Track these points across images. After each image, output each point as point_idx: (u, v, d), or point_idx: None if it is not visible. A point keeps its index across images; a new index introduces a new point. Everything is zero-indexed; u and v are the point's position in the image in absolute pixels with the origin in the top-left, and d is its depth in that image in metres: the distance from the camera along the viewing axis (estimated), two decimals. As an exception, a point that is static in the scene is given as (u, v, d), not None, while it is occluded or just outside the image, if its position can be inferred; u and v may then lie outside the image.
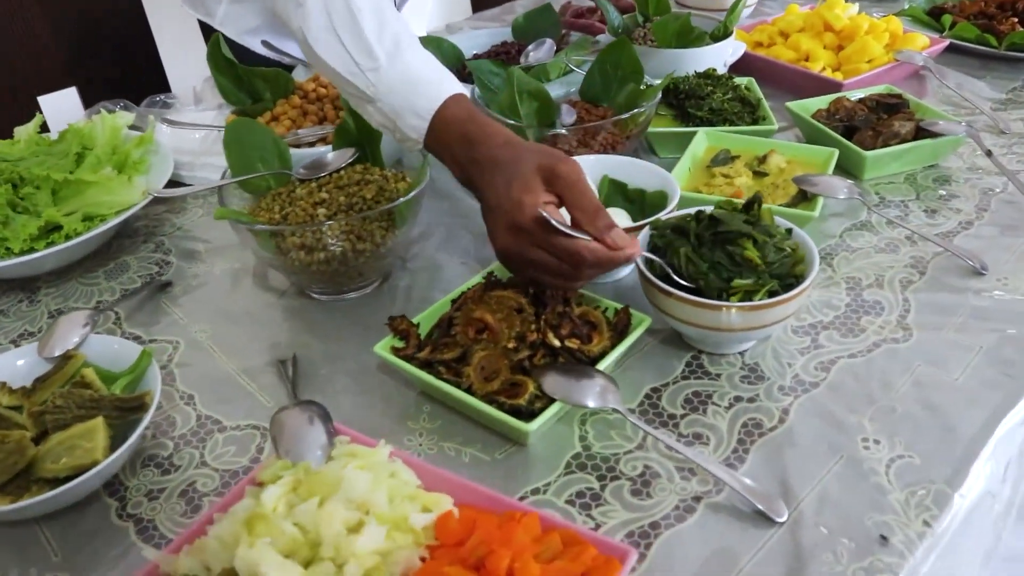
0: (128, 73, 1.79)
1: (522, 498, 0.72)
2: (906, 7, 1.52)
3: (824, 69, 1.33)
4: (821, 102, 1.20)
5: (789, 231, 0.86)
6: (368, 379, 0.86)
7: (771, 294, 0.79)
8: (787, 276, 0.81)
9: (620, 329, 0.82)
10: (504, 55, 1.36)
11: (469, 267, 1.02)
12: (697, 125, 1.17)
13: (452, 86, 0.89)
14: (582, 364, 0.77)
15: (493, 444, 0.77)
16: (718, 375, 0.83)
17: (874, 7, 1.65)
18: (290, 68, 1.38)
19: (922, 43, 1.35)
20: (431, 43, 1.33)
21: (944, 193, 1.09)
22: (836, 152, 1.08)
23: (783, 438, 0.75)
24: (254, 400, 0.84)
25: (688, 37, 1.29)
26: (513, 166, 0.80)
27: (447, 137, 0.88)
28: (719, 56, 1.31)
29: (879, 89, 1.22)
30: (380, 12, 0.91)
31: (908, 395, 0.79)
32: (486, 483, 0.71)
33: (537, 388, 0.74)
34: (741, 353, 0.85)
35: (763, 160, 1.09)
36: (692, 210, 0.86)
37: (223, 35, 1.21)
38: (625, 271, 0.96)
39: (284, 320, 0.97)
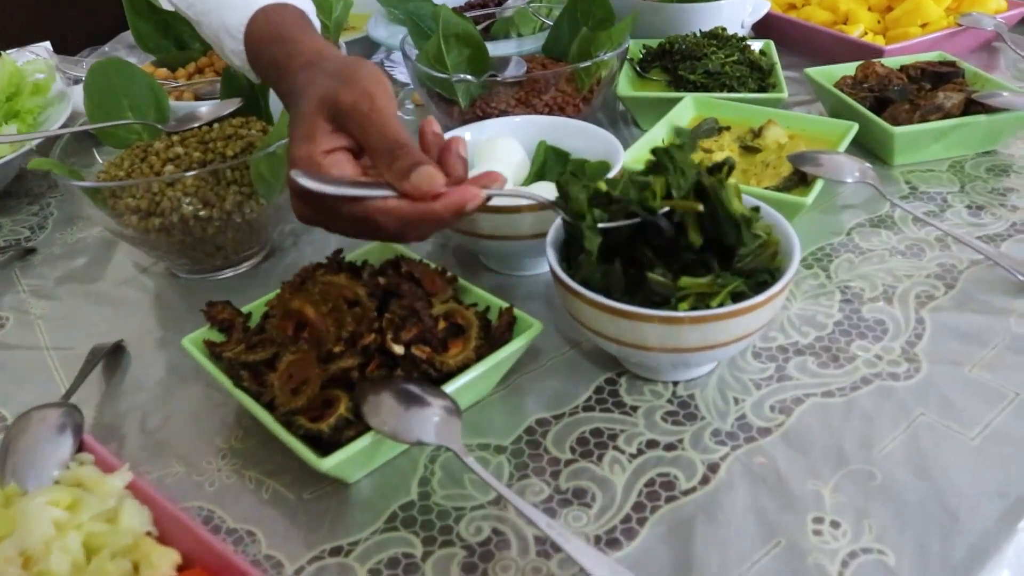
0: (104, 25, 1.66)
1: (317, 559, 0.51)
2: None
3: (866, 34, 1.07)
4: (849, 68, 0.94)
5: (756, 209, 0.62)
6: (196, 378, 0.67)
7: (736, 298, 0.56)
8: (761, 271, 0.58)
9: (498, 336, 0.60)
10: (479, 7, 1.15)
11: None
12: (691, 92, 0.94)
13: None
14: (429, 380, 0.56)
15: (306, 479, 0.57)
16: (634, 408, 0.60)
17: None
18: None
19: (996, 6, 1.08)
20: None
21: (998, 187, 0.83)
22: (854, 126, 0.83)
23: (700, 506, 0.53)
24: (56, 394, 0.66)
25: (693, -11, 1.06)
26: (299, 103, 0.58)
27: (261, 62, 0.68)
28: (733, 14, 1.07)
29: (929, 56, 0.96)
30: None
31: (897, 457, 0.55)
32: (280, 531, 0.53)
33: (350, 410, 0.53)
34: (676, 382, 0.62)
35: (758, 133, 0.85)
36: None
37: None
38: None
39: (135, 300, 0.79)
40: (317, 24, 0.74)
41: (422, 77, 0.86)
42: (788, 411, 0.59)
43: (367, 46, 1.20)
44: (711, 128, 0.86)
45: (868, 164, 0.77)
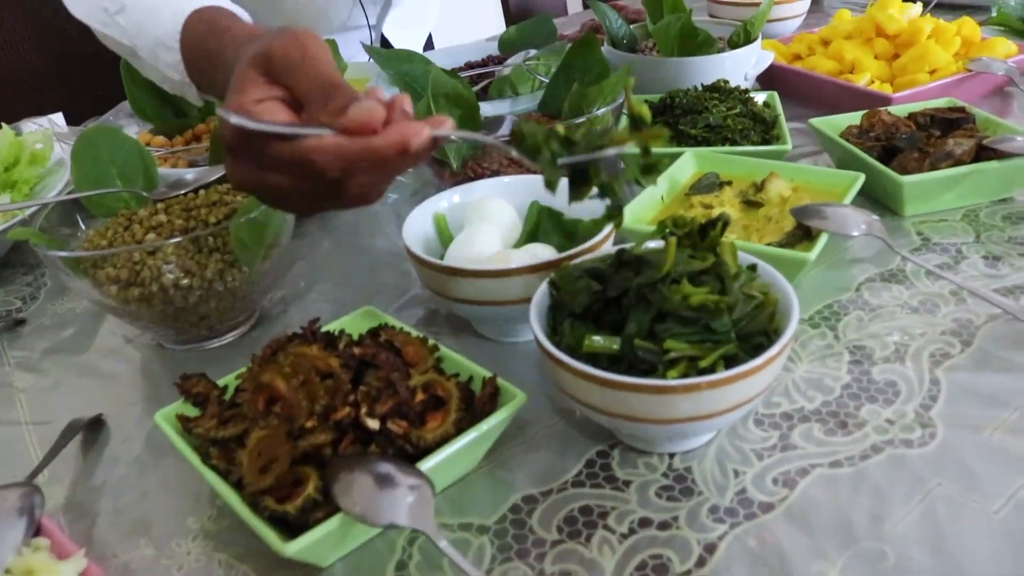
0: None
1: (279, 658, 0.48)
2: (994, 14, 1.21)
3: (872, 83, 1.04)
4: (855, 118, 0.92)
5: (753, 267, 0.59)
6: (173, 453, 0.64)
7: (729, 362, 0.52)
8: (756, 335, 0.54)
9: (480, 408, 0.57)
10: (479, 67, 1.15)
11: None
12: (692, 146, 0.92)
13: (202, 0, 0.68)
14: (405, 456, 0.53)
15: (279, 563, 0.53)
16: (627, 483, 0.56)
17: (946, 15, 1.33)
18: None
19: (1007, 51, 1.05)
20: (400, 57, 1.12)
21: (1016, 235, 0.79)
22: (860, 177, 0.80)
23: (695, 592, 0.48)
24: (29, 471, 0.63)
25: (692, 42, 1.04)
26: (235, 68, 0.56)
27: (198, 64, 0.67)
28: (736, 66, 1.05)
29: (938, 103, 0.93)
30: None
31: (911, 533, 0.50)
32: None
33: (319, 490, 0.50)
34: (672, 454, 0.58)
35: (760, 187, 0.82)
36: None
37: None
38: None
39: (120, 372, 0.77)
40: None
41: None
42: (792, 484, 0.55)
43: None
44: (711, 183, 0.83)
45: (875, 216, 0.74)
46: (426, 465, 0.52)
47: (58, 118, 1.61)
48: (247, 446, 0.53)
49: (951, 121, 0.88)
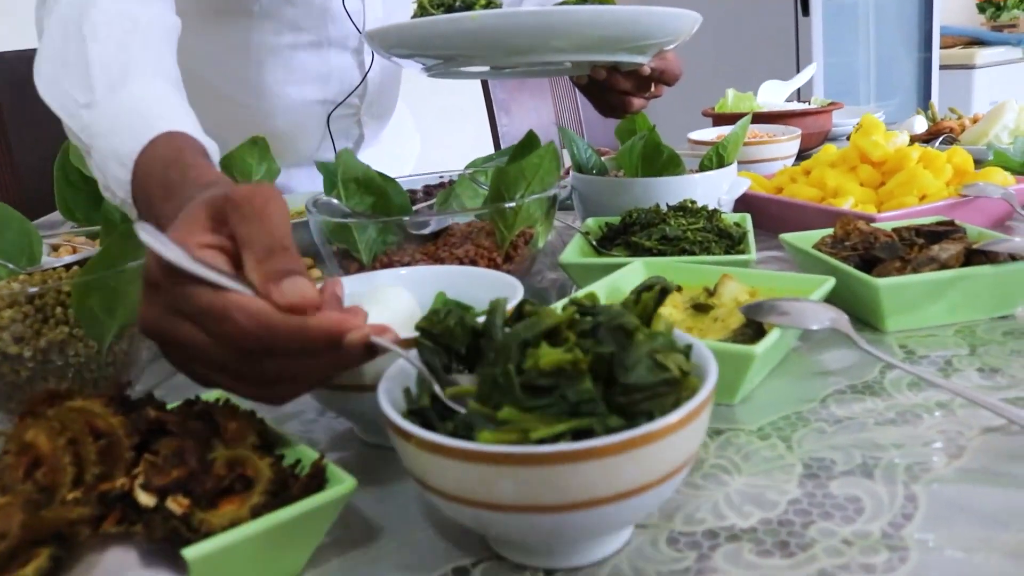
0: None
1: None
2: (990, 157, 1.13)
3: (856, 206, 0.95)
4: (829, 231, 0.81)
5: (689, 347, 0.47)
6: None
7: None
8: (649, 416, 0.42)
9: (298, 495, 0.43)
10: (438, 188, 1.08)
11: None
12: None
13: (172, 122, 0.62)
14: (180, 543, 0.39)
15: None
16: (481, 607, 0.41)
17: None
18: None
19: (1003, 181, 0.96)
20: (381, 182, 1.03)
21: (1020, 349, 0.65)
22: (830, 280, 0.68)
23: None
24: None
25: (657, 161, 0.97)
26: (183, 209, 0.49)
27: (148, 189, 0.60)
28: (708, 190, 0.97)
29: (925, 220, 0.82)
30: (124, 38, 0.68)
31: None
32: None
33: (40, 573, 0.37)
34: (551, 571, 0.44)
35: (713, 292, 0.71)
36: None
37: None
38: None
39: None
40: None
41: (323, 228, 0.76)
42: (703, 617, 0.39)
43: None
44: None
45: (834, 314, 0.61)
46: (192, 553, 0.38)
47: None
48: (-26, 520, 0.40)
49: (938, 233, 0.77)
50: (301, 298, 0.42)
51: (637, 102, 1.01)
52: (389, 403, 0.43)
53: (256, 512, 0.42)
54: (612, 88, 0.99)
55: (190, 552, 0.38)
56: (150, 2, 0.75)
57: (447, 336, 0.47)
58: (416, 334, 0.47)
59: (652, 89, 1.03)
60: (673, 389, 0.42)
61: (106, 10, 0.71)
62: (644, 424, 0.39)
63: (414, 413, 0.44)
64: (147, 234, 0.43)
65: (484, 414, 0.41)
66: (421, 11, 0.80)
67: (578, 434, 0.40)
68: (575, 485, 0.38)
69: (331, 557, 0.47)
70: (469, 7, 0.77)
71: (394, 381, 0.47)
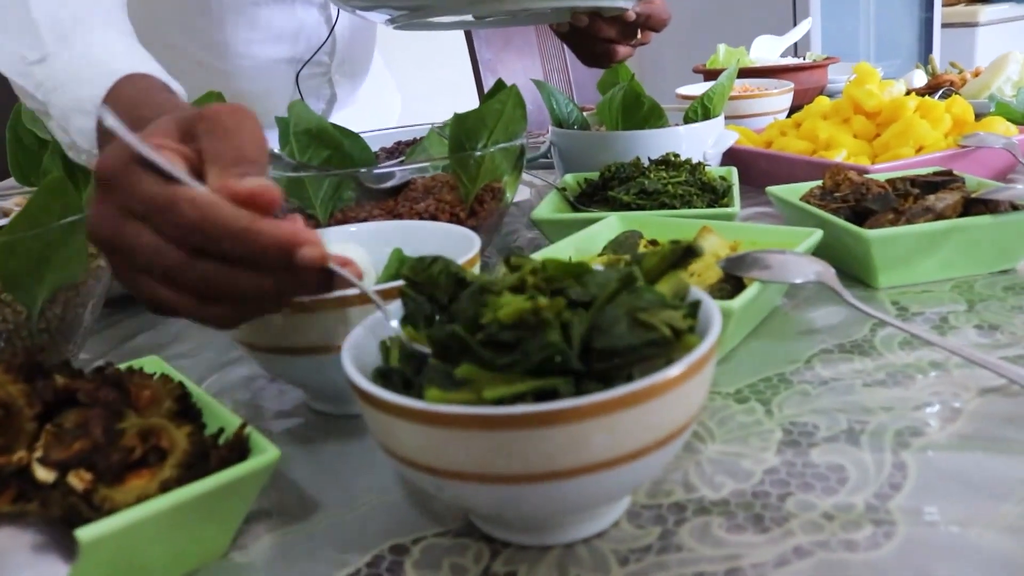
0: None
1: None
2: (992, 108, 1.07)
3: (849, 159, 0.90)
4: (818, 182, 0.76)
5: (697, 303, 0.41)
6: None
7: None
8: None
9: (216, 467, 0.39)
10: (407, 145, 1.03)
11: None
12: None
13: (134, 65, 0.58)
14: (79, 522, 0.35)
15: None
16: (418, 590, 0.37)
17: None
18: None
19: (1005, 131, 0.90)
20: (336, 135, 0.98)
21: (1021, 304, 0.60)
22: (817, 233, 0.63)
23: None
24: None
25: (637, 113, 0.92)
26: None
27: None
28: (692, 143, 0.92)
29: (922, 170, 0.77)
30: None
31: None
32: None
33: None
34: (496, 544, 0.39)
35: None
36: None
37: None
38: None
39: None
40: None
41: (278, 183, 0.71)
42: (665, 600, 0.35)
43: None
44: (631, 243, 0.68)
45: (821, 266, 0.57)
46: (86, 534, 0.34)
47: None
48: None
49: (935, 184, 0.72)
50: (261, 187, 0.39)
51: (622, 50, 0.95)
52: (351, 360, 0.39)
53: (166, 487, 0.37)
54: (595, 36, 0.93)
55: (84, 533, 0.34)
56: None
57: (431, 285, 0.42)
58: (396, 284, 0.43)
59: (638, 36, 0.97)
60: (663, 351, 0.37)
61: None
62: (621, 386, 0.34)
63: (384, 374, 0.40)
64: (111, 119, 0.40)
65: (442, 371, 0.37)
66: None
67: (542, 396, 0.35)
68: (533, 453, 0.33)
69: (262, 534, 0.42)
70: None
71: (365, 335, 0.42)
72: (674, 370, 0.34)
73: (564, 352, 0.35)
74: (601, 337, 0.36)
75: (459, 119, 0.69)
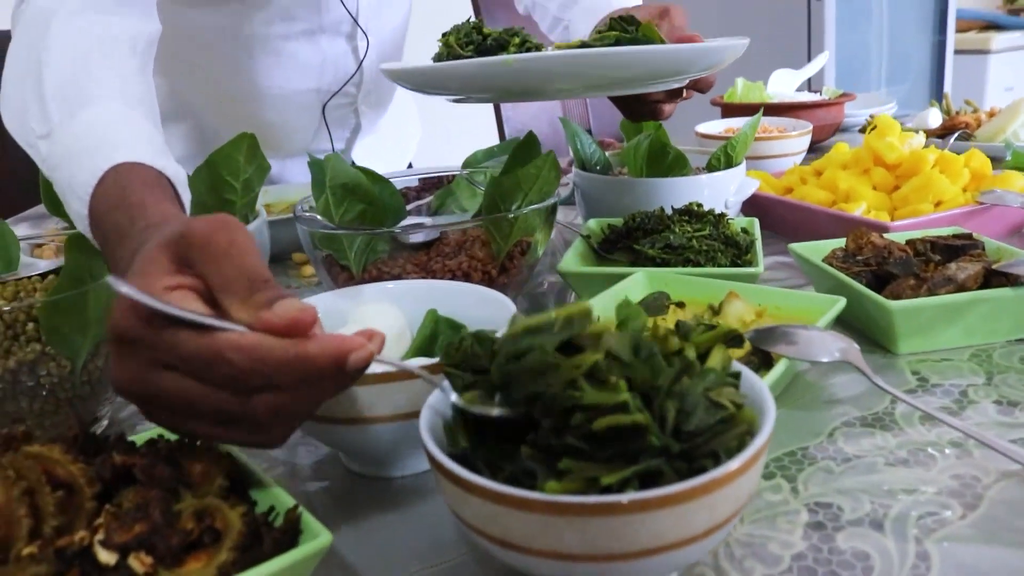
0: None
1: None
2: (1008, 157, 1.09)
3: (869, 212, 0.92)
4: (841, 242, 0.78)
5: (737, 375, 0.44)
6: None
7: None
8: (708, 457, 0.39)
9: (271, 551, 0.41)
10: (435, 186, 1.05)
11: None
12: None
13: (123, 150, 0.59)
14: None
15: None
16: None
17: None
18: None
19: (1022, 186, 0.92)
20: (371, 189, 0.97)
21: (1039, 379, 0.62)
22: (840, 301, 0.65)
23: None
24: None
25: (662, 162, 0.93)
26: (138, 253, 0.46)
27: (103, 228, 0.57)
28: (714, 191, 0.94)
29: (941, 231, 0.79)
30: (83, 58, 0.64)
31: None
32: None
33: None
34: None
35: (718, 311, 0.67)
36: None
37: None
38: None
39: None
40: (186, 196, 0.63)
41: (313, 236, 0.73)
42: None
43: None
44: (659, 305, 0.69)
45: (846, 344, 0.58)
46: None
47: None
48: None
49: (955, 248, 0.74)
50: (300, 312, 0.40)
51: (668, 108, 0.95)
52: (433, 442, 0.41)
53: (224, 571, 0.39)
54: (644, 100, 0.94)
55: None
56: (120, 10, 0.71)
57: (471, 361, 0.43)
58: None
59: (683, 95, 0.98)
60: (730, 426, 0.40)
61: (66, 26, 0.68)
62: (712, 467, 0.37)
63: (454, 457, 0.41)
64: (122, 286, 0.40)
65: (540, 461, 0.39)
66: (447, 50, 0.74)
67: (644, 477, 0.38)
68: (644, 533, 0.36)
69: (309, 608, 0.44)
70: (502, 46, 0.71)
71: (431, 418, 0.44)
72: (757, 443, 0.38)
73: (667, 448, 0.38)
74: (688, 420, 0.39)
75: (495, 183, 0.70)
